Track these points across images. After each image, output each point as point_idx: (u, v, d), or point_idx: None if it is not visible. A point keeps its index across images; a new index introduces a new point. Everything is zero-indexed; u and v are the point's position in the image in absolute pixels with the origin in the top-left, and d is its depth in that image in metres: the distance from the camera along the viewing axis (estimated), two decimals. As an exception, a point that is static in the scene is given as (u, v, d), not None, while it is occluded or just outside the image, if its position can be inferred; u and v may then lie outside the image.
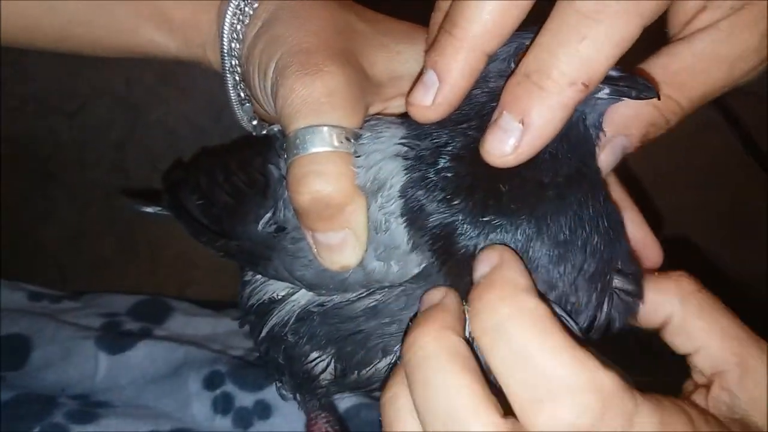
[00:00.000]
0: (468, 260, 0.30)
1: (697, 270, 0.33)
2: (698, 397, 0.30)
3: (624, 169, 0.36)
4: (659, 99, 0.29)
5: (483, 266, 0.28)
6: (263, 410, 0.55)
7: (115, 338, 0.61)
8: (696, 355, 0.31)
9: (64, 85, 0.74)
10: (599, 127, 0.32)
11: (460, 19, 0.29)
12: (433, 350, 0.26)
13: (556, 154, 0.31)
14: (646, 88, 0.29)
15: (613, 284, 0.32)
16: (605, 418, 0.24)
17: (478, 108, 0.32)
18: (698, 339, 0.31)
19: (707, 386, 0.30)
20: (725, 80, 0.32)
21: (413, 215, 0.31)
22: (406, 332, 0.28)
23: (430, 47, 0.31)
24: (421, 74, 0.31)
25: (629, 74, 0.30)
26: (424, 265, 0.31)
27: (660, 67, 0.32)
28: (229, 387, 0.56)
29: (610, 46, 0.27)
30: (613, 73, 0.29)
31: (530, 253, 0.30)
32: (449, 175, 0.31)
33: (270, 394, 0.56)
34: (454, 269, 0.30)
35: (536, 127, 0.28)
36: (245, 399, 0.56)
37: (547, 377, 0.24)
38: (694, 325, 0.31)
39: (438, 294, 0.29)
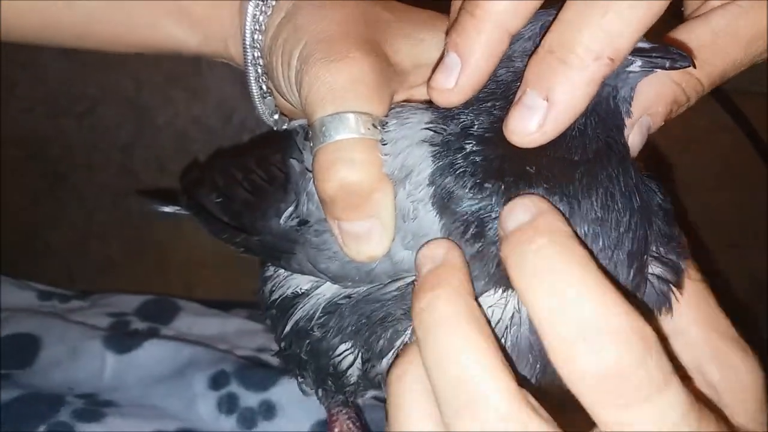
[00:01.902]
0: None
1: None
2: None
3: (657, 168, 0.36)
4: (695, 67, 0.28)
5: (519, 214, 0.26)
6: (268, 410, 0.55)
7: (122, 338, 0.61)
8: (673, 338, 0.30)
9: (74, 86, 0.75)
10: (630, 101, 0.31)
11: None
12: (446, 313, 0.25)
13: (585, 130, 0.30)
14: (681, 57, 0.28)
15: (649, 270, 0.31)
16: (647, 363, 0.22)
17: (504, 87, 0.31)
18: (680, 322, 0.30)
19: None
20: (743, 58, 0.31)
21: (444, 203, 0.30)
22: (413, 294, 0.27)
23: (451, 29, 0.30)
24: (441, 57, 0.31)
25: (660, 44, 0.29)
26: None
27: (678, 44, 0.31)
28: (234, 387, 0.56)
29: (636, 20, 0.26)
30: (644, 45, 0.28)
31: None
32: (477, 159, 0.30)
33: (275, 394, 0.56)
34: (490, 254, 0.29)
35: (561, 104, 0.27)
36: (250, 399, 0.56)
37: (595, 318, 0.23)
38: (680, 309, 0.30)
39: (439, 249, 0.28)
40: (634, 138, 0.32)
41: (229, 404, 0.55)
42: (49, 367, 0.59)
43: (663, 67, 0.29)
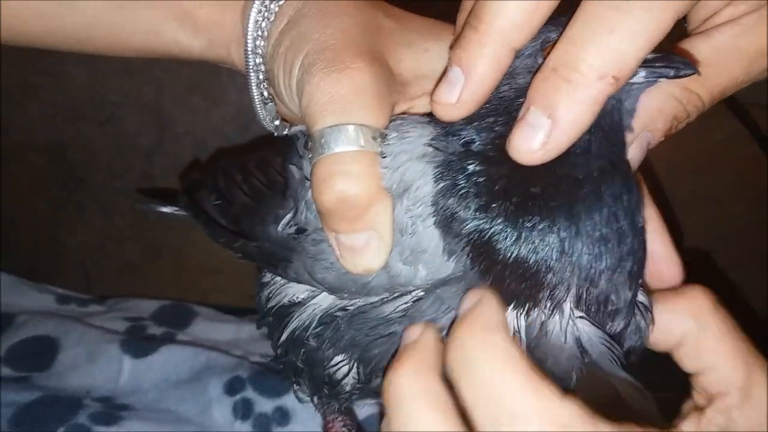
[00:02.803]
0: (508, 264, 0.29)
1: (713, 287, 0.32)
2: (691, 422, 0.29)
3: (651, 185, 0.36)
4: (699, 74, 0.29)
5: (465, 304, 0.28)
6: (282, 417, 0.56)
7: (139, 342, 0.62)
8: (702, 375, 0.30)
9: (96, 93, 0.76)
10: (633, 114, 0.31)
11: (486, 14, 0.28)
12: (407, 391, 0.26)
13: (589, 147, 0.30)
14: (685, 65, 0.28)
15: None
16: None
17: (506, 104, 0.31)
18: (708, 360, 0.30)
19: (703, 408, 0.29)
20: (745, 75, 0.31)
21: (447, 223, 0.30)
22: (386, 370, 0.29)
23: (455, 43, 0.30)
24: (445, 72, 0.31)
25: (664, 54, 0.29)
26: (455, 269, 0.30)
27: (681, 52, 0.31)
28: (249, 393, 0.57)
29: (642, 39, 0.26)
30: (648, 55, 0.28)
31: (570, 251, 0.29)
32: (481, 180, 0.30)
33: (289, 400, 0.56)
34: (495, 274, 0.30)
35: (565, 123, 0.27)
36: (265, 405, 0.56)
37: (506, 405, 0.25)
38: (706, 345, 0.30)
39: (416, 330, 0.29)
40: (634, 153, 0.32)
41: (244, 410, 0.56)
42: (68, 370, 0.59)
43: (668, 77, 0.29)
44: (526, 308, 0.30)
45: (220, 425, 0.55)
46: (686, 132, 0.34)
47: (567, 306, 0.30)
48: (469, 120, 0.32)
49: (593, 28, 0.27)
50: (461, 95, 0.30)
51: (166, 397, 0.57)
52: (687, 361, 0.31)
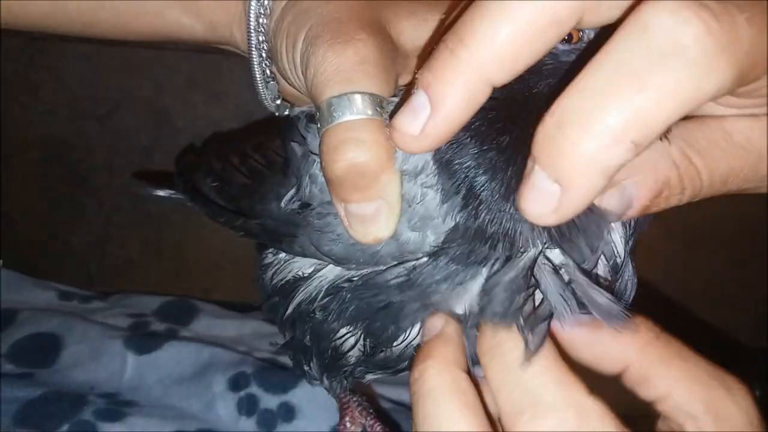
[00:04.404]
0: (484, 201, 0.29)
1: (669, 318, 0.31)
2: None
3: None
4: None
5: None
6: (287, 412, 0.56)
7: (142, 338, 0.62)
8: (661, 404, 0.29)
9: (96, 90, 0.76)
10: None
11: (468, 37, 0.24)
12: (434, 385, 0.27)
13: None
14: None
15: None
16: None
17: (527, 95, 0.29)
18: (661, 388, 0.29)
19: None
20: (750, 172, 0.28)
21: (444, 168, 0.30)
22: (413, 361, 0.29)
23: (426, 63, 0.25)
24: (409, 90, 0.27)
25: None
26: (453, 223, 0.30)
27: (685, 129, 0.28)
28: (254, 389, 0.57)
29: (676, 103, 0.21)
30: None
31: None
32: (477, 123, 0.29)
33: (294, 396, 0.56)
34: (493, 211, 0.29)
35: (576, 190, 0.23)
36: (270, 401, 0.56)
37: (532, 393, 0.25)
38: (655, 374, 0.29)
39: (438, 322, 0.30)
40: (610, 201, 0.28)
41: (248, 406, 0.56)
42: (71, 367, 0.59)
43: None
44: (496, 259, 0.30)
45: (224, 421, 0.55)
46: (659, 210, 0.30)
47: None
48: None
49: (618, 80, 0.21)
50: (425, 127, 0.26)
51: (170, 393, 0.58)
52: (639, 390, 0.30)
